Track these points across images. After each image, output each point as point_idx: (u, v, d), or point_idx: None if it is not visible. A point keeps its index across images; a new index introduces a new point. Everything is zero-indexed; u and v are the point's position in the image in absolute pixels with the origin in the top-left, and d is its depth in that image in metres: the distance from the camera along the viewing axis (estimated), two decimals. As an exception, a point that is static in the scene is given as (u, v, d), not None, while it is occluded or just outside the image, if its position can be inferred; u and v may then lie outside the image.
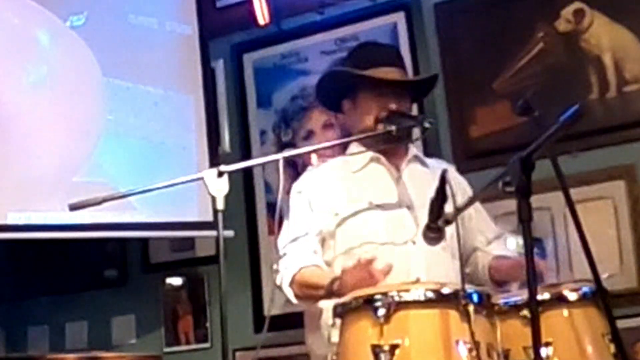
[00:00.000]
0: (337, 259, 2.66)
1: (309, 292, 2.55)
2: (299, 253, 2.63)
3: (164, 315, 4.12)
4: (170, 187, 2.60)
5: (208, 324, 4.03)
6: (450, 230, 2.36)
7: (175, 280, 4.14)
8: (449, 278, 2.48)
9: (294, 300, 2.61)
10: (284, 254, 2.66)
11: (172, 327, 4.11)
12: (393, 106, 2.70)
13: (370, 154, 2.75)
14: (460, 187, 2.78)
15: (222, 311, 2.37)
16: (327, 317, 2.53)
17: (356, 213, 2.66)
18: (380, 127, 2.68)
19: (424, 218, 2.59)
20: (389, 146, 2.73)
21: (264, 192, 4.03)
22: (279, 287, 2.65)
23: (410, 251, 2.58)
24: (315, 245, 2.68)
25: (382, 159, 2.76)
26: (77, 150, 3.60)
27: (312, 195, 2.73)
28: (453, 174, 2.85)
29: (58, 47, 3.61)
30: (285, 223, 2.76)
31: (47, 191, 3.50)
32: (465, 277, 2.14)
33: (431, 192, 2.51)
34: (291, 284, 2.58)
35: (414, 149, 2.86)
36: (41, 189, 3.48)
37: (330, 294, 2.45)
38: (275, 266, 2.69)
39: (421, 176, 2.75)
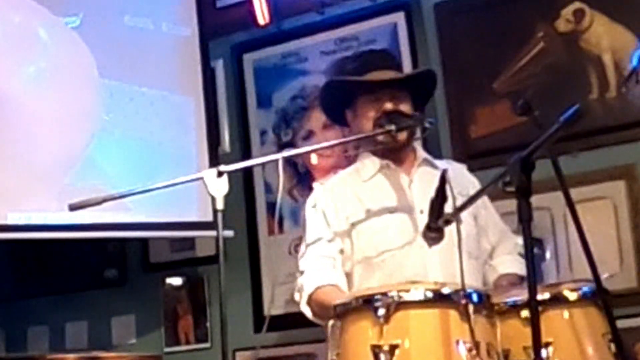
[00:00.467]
0: (356, 268, 2.67)
1: (325, 312, 2.52)
2: (317, 270, 2.65)
3: (164, 315, 4.11)
4: (170, 187, 2.61)
5: (208, 324, 4.02)
6: (465, 230, 2.37)
7: (175, 280, 4.13)
8: (467, 279, 2.43)
9: (312, 318, 2.63)
10: (303, 271, 2.68)
11: (172, 327, 4.10)
12: (389, 106, 2.71)
13: (380, 161, 2.77)
14: (473, 185, 2.79)
15: (222, 311, 2.37)
16: None
17: (369, 218, 2.68)
18: (379, 130, 2.69)
19: None
20: (394, 146, 2.73)
21: (264, 192, 4.02)
22: (297, 303, 2.68)
23: (426, 254, 2.58)
24: (334, 255, 2.68)
25: (392, 165, 2.77)
26: (72, 145, 3.58)
27: (325, 207, 2.74)
28: (463, 173, 2.88)
29: (56, 44, 3.60)
30: (303, 239, 2.78)
31: (40, 187, 3.48)
32: (464, 276, 2.12)
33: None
34: (308, 302, 2.61)
35: (423, 153, 2.87)
36: (34, 185, 3.47)
37: None
38: (298, 283, 2.70)
39: (432, 179, 2.68)
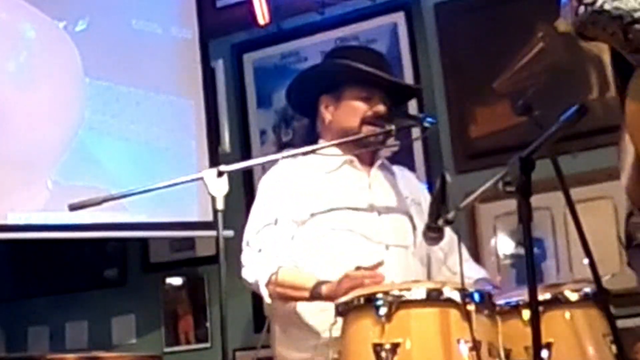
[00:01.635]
0: (308, 259, 2.60)
1: (290, 293, 2.50)
2: (276, 249, 2.59)
3: (164, 315, 4.11)
4: (171, 187, 2.61)
5: (208, 324, 4.02)
6: (419, 237, 2.41)
7: (176, 280, 4.13)
8: None
9: (267, 300, 2.56)
10: (259, 250, 2.61)
11: (172, 327, 4.10)
12: (381, 108, 2.70)
13: (344, 155, 2.73)
14: (423, 193, 2.83)
15: (222, 311, 2.37)
16: (315, 321, 2.53)
17: (330, 211, 2.64)
18: (365, 129, 2.68)
19: (393, 224, 2.66)
20: (367, 150, 2.72)
21: (263, 193, 4.01)
22: (249, 283, 2.61)
23: (383, 254, 2.57)
24: (289, 238, 2.62)
25: (356, 161, 2.74)
26: (53, 141, 3.58)
27: (285, 188, 2.69)
28: (414, 181, 2.93)
29: (41, 42, 3.60)
30: (253, 212, 2.73)
31: (21, 183, 3.47)
32: (463, 277, 2.12)
33: (400, 198, 2.65)
34: (268, 283, 2.53)
35: (382, 155, 2.85)
36: (14, 181, 3.46)
37: (315, 297, 2.42)
38: (244, 259, 2.65)
39: (389, 183, 2.77)
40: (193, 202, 3.62)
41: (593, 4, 1.73)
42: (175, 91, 3.80)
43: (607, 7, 1.72)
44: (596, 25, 1.75)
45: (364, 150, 2.72)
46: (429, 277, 2.70)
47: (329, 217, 2.64)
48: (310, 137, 2.88)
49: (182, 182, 2.62)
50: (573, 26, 1.80)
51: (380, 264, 2.35)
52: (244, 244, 2.69)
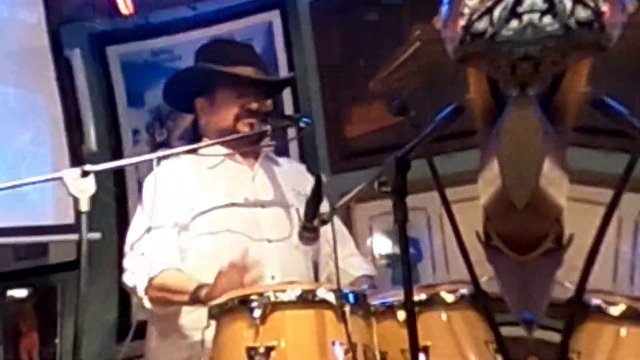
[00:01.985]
0: (192, 258, 2.57)
1: (170, 297, 2.46)
2: (158, 253, 2.53)
3: (3, 333, 3.81)
4: (18, 187, 2.40)
5: (57, 340, 3.76)
6: None
7: (19, 292, 3.86)
8: (303, 277, 2.59)
9: (148, 305, 2.51)
10: (142, 253, 2.55)
11: (13, 346, 3.80)
12: (254, 106, 2.72)
13: (225, 150, 2.74)
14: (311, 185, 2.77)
15: (77, 324, 2.21)
16: (190, 319, 2.50)
17: (213, 210, 2.63)
18: (241, 126, 2.70)
19: (274, 218, 2.68)
20: (249, 148, 2.74)
21: (137, 193, 3.86)
22: (129, 288, 2.55)
23: (265, 249, 2.58)
24: (175, 242, 2.59)
25: (238, 156, 2.76)
26: None
27: (167, 188, 2.65)
28: (303, 173, 2.93)
29: None
30: (138, 216, 2.67)
31: None
32: (339, 277, 2.10)
33: (283, 191, 2.69)
34: (148, 288, 2.48)
35: (266, 148, 2.86)
36: None
37: (195, 301, 2.38)
38: (126, 263, 2.58)
39: (274, 176, 2.78)
40: (48, 204, 3.37)
41: (482, 34, 1.52)
42: (27, 83, 3.50)
43: (498, 39, 1.52)
44: (482, 58, 1.57)
45: (247, 149, 2.75)
46: (316, 270, 2.72)
47: (209, 218, 2.62)
48: (195, 134, 2.87)
49: (34, 182, 2.45)
50: (454, 54, 1.61)
51: (246, 254, 2.35)
52: (126, 248, 2.62)
